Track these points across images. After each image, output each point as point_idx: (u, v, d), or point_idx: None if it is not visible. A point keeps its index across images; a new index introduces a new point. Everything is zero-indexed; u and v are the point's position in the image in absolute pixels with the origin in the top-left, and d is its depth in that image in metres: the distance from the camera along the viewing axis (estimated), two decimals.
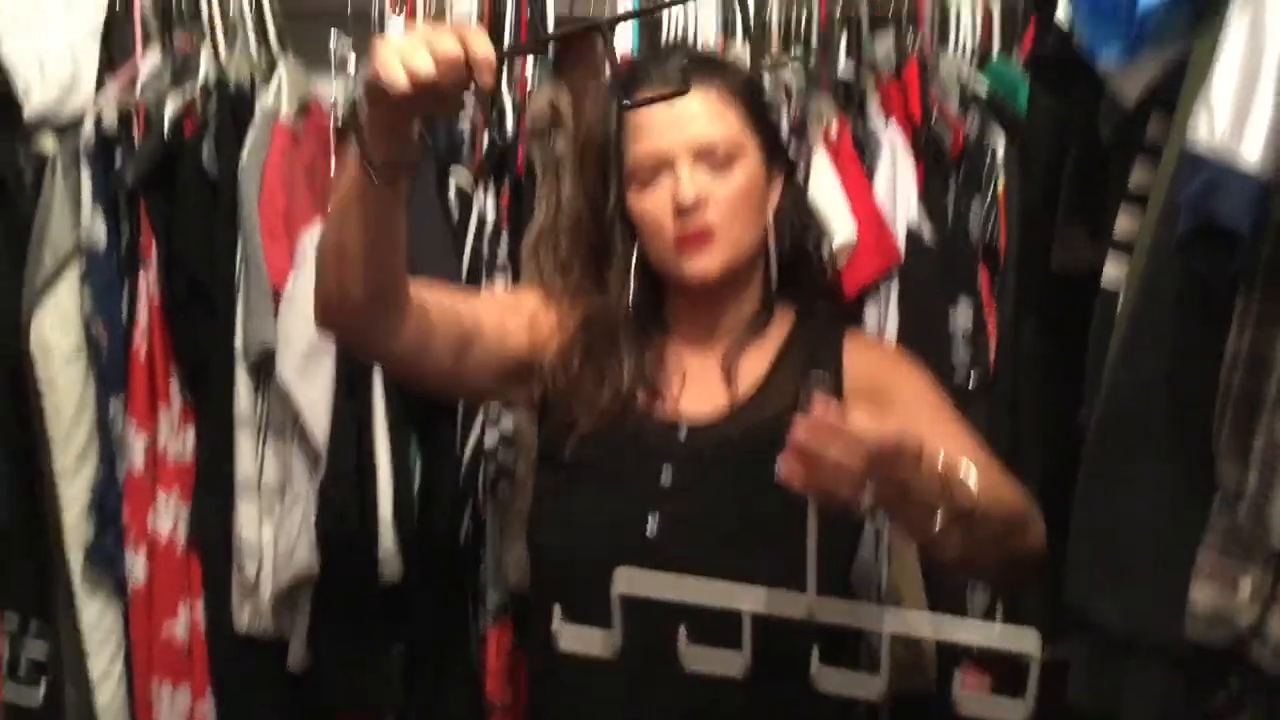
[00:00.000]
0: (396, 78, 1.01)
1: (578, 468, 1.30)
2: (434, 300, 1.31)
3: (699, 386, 1.34)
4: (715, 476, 1.28)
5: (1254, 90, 0.87)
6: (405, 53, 1.02)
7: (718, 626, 1.12)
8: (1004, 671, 1.74)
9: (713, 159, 1.28)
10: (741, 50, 1.90)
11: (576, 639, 1.16)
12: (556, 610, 1.17)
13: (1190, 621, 0.96)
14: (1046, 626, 1.63)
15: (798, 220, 1.39)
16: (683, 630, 1.11)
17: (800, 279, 1.40)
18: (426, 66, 1.02)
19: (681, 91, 1.17)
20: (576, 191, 1.41)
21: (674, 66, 1.30)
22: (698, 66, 1.31)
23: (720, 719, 1.25)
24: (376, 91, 1.05)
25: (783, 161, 1.39)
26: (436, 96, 1.04)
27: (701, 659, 1.12)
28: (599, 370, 1.33)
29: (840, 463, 0.97)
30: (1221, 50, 0.90)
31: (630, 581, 1.10)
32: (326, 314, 1.27)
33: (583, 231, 1.40)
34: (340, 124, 1.83)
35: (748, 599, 1.10)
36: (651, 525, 1.25)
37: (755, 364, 1.35)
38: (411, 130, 1.12)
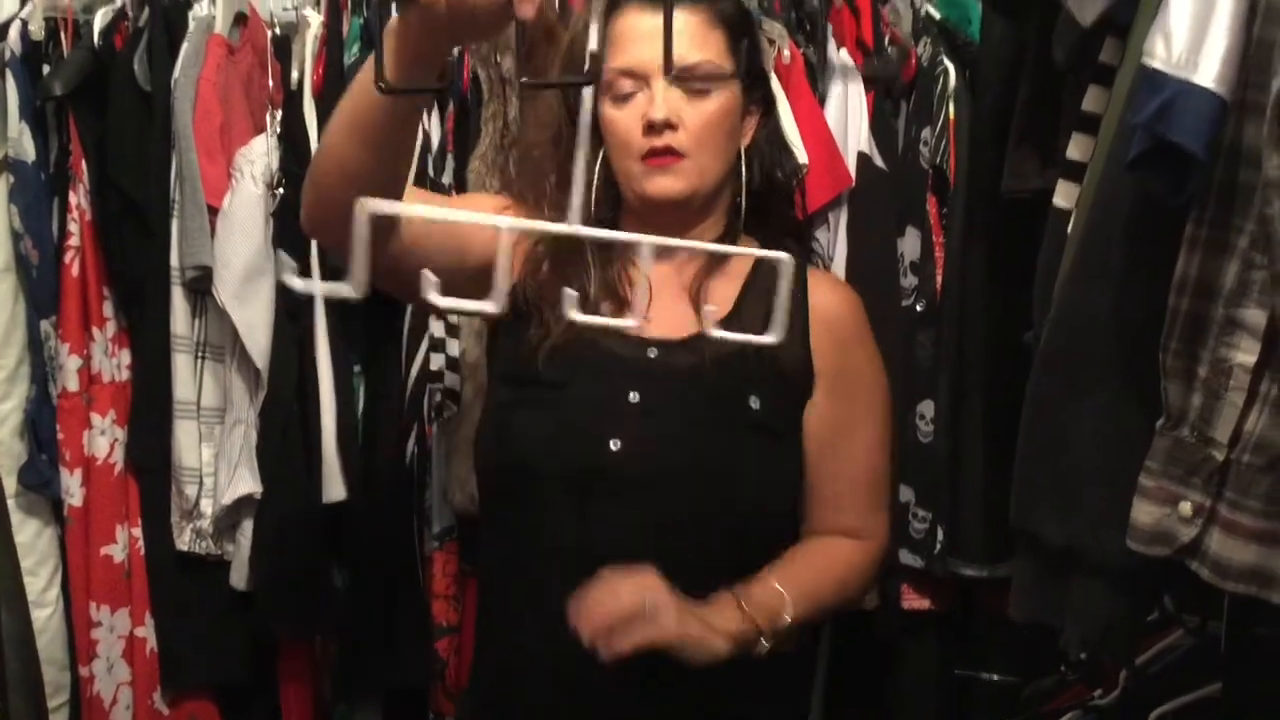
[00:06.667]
0: None
1: (540, 383, 1.29)
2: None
3: (665, 307, 1.32)
4: (686, 398, 1.27)
5: (1212, 10, 0.87)
6: None
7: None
8: (941, 589, 1.79)
9: (690, 82, 1.25)
10: None
11: None
12: None
13: (1132, 536, 0.98)
14: (989, 548, 1.67)
15: (770, 157, 1.37)
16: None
17: (768, 214, 1.39)
18: None
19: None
20: (555, 102, 1.37)
21: None
22: None
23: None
24: (410, 7, 0.95)
25: (762, 96, 1.36)
26: (472, 18, 0.93)
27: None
28: (565, 279, 1.31)
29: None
30: None
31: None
32: (312, 225, 1.21)
33: (560, 140, 1.37)
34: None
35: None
36: (615, 442, 1.24)
37: (723, 289, 1.33)
38: (439, 58, 1.03)
